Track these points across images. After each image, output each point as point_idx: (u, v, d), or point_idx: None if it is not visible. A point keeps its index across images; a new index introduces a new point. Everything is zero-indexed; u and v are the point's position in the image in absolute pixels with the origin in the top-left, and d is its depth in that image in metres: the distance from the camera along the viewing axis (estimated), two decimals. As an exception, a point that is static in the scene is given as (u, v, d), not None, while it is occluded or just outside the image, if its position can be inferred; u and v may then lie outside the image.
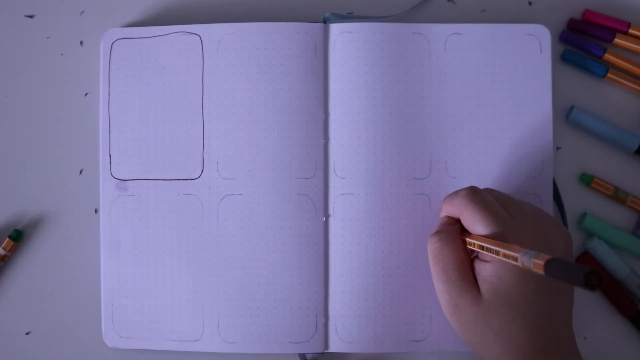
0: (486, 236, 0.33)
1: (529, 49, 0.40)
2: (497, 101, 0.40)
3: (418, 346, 0.40)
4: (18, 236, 0.42)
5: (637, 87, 0.41)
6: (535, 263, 0.27)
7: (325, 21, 0.41)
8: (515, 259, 0.29)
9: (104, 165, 0.41)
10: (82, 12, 0.43)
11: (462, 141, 0.40)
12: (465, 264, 0.35)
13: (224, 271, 0.40)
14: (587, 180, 0.41)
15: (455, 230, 0.36)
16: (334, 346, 0.40)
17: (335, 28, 0.41)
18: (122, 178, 0.41)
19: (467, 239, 0.35)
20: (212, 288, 0.40)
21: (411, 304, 0.40)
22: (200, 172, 0.41)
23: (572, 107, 0.41)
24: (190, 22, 0.42)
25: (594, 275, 0.24)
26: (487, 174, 0.40)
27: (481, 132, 0.40)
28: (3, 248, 0.41)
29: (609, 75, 0.41)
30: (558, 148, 0.42)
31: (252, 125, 0.40)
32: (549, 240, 0.34)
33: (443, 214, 0.38)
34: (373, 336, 0.40)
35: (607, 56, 0.41)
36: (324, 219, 0.40)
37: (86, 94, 0.43)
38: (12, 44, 0.43)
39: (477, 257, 0.35)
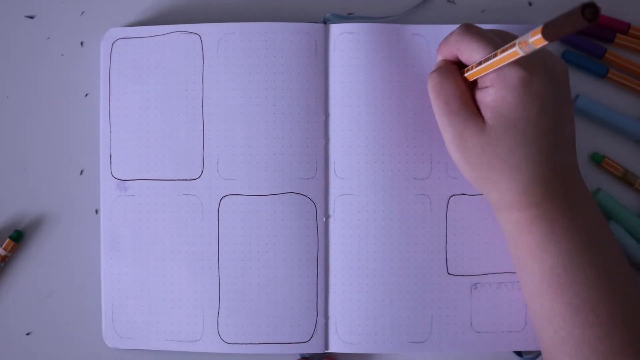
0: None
1: (530, 49, 0.40)
2: (498, 101, 0.40)
3: (418, 347, 0.40)
4: (18, 236, 0.42)
5: (637, 87, 0.41)
6: (534, 40, 0.27)
7: (326, 22, 0.41)
8: (514, 53, 0.29)
9: (104, 166, 0.41)
10: (83, 12, 0.43)
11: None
12: (466, 94, 0.34)
13: (224, 271, 0.40)
14: (598, 159, 0.41)
15: (453, 65, 0.36)
16: (334, 347, 0.40)
17: (335, 28, 0.41)
18: (122, 178, 0.41)
19: (467, 72, 0.34)
20: (212, 288, 0.40)
21: (412, 305, 0.40)
22: (200, 172, 0.41)
23: (577, 96, 0.41)
24: (190, 21, 0.42)
25: (590, 7, 0.25)
26: (487, 175, 0.40)
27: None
28: (4, 249, 0.41)
29: (609, 75, 0.41)
30: (558, 148, 0.42)
31: (252, 126, 0.40)
32: (547, 66, 0.33)
33: (439, 58, 0.37)
34: (373, 337, 0.40)
35: (608, 56, 0.41)
36: (324, 219, 0.40)
37: (86, 95, 0.43)
38: (12, 44, 0.43)
39: (478, 89, 0.34)
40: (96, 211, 0.42)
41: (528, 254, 0.34)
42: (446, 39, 0.36)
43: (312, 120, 0.40)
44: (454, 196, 0.40)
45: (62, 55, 0.43)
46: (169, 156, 0.41)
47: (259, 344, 0.40)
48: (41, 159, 0.43)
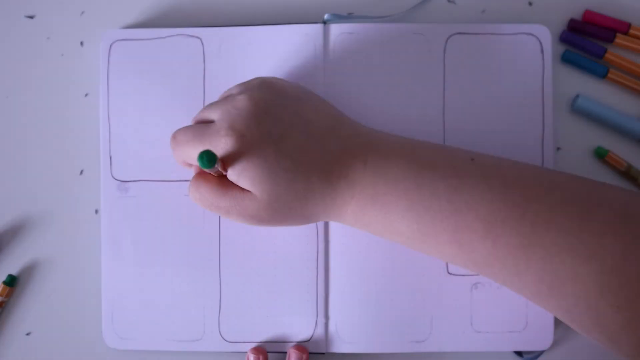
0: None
1: (530, 49, 0.40)
2: (497, 102, 0.40)
3: (419, 347, 0.40)
4: (12, 281, 0.42)
5: (637, 87, 0.41)
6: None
7: (325, 22, 0.41)
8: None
9: (104, 167, 0.41)
10: (83, 12, 0.43)
11: (462, 141, 0.40)
12: (225, 186, 0.34)
13: (225, 271, 0.40)
14: (602, 153, 0.41)
15: (198, 173, 0.36)
16: (335, 346, 0.40)
17: (335, 29, 0.41)
18: (122, 179, 0.41)
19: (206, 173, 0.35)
20: (213, 288, 0.40)
21: (412, 304, 0.40)
22: (201, 172, 0.41)
23: (578, 96, 0.41)
24: (191, 24, 0.42)
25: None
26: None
27: (481, 132, 0.40)
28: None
29: (609, 75, 0.41)
30: (558, 149, 0.42)
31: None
32: (231, 107, 0.33)
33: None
34: (374, 337, 0.40)
35: (608, 56, 0.41)
36: (325, 219, 0.40)
37: (86, 95, 0.43)
38: (12, 44, 0.43)
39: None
40: (96, 211, 0.42)
41: (389, 228, 0.34)
42: (173, 154, 0.36)
43: (312, 120, 0.40)
44: (454, 196, 0.40)
45: (62, 55, 0.43)
46: (170, 157, 0.41)
47: (260, 342, 0.40)
48: (41, 159, 0.43)
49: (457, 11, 0.42)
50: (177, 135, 0.35)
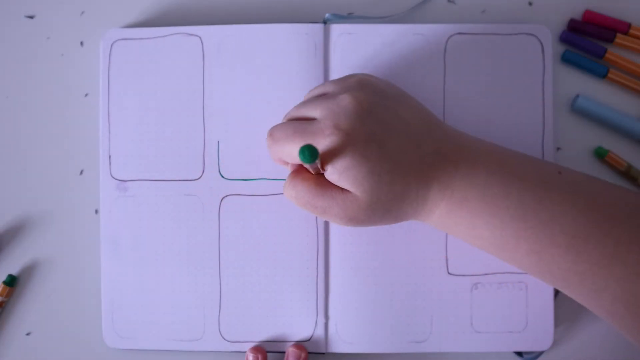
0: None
1: (530, 49, 0.41)
2: (498, 102, 0.40)
3: (419, 347, 0.40)
4: (12, 281, 0.42)
5: (637, 87, 0.41)
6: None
7: (326, 22, 0.41)
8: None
9: (103, 166, 0.41)
10: (83, 12, 0.43)
11: (462, 141, 0.40)
12: (323, 185, 0.34)
13: (225, 271, 0.40)
14: (602, 153, 0.41)
15: (295, 170, 0.35)
16: (335, 347, 0.40)
17: (335, 29, 0.41)
18: (122, 179, 0.41)
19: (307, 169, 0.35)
20: (213, 288, 0.40)
21: (412, 304, 0.40)
22: (201, 173, 0.41)
23: (578, 96, 0.41)
24: (191, 23, 0.42)
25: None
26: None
27: (481, 132, 0.40)
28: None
29: (609, 75, 0.41)
30: (558, 149, 0.42)
31: (252, 126, 0.40)
32: (335, 106, 0.33)
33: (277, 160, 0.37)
34: (374, 337, 0.40)
35: (608, 56, 0.41)
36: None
37: (86, 95, 0.43)
38: (12, 44, 0.43)
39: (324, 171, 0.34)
40: (96, 211, 0.42)
41: (471, 233, 0.34)
42: (270, 151, 0.35)
43: (313, 120, 0.40)
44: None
45: (62, 55, 0.43)
46: (170, 157, 0.41)
47: (260, 342, 0.40)
48: (41, 159, 0.43)
49: (457, 11, 0.42)
50: (275, 132, 0.34)
